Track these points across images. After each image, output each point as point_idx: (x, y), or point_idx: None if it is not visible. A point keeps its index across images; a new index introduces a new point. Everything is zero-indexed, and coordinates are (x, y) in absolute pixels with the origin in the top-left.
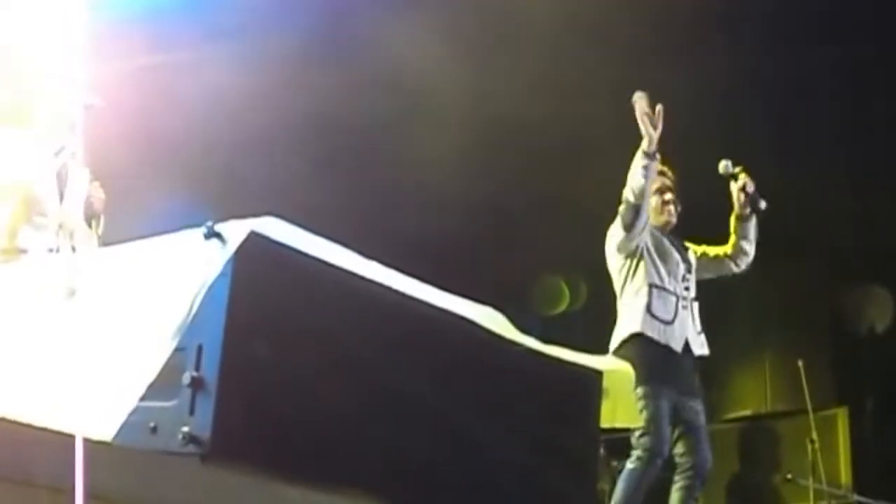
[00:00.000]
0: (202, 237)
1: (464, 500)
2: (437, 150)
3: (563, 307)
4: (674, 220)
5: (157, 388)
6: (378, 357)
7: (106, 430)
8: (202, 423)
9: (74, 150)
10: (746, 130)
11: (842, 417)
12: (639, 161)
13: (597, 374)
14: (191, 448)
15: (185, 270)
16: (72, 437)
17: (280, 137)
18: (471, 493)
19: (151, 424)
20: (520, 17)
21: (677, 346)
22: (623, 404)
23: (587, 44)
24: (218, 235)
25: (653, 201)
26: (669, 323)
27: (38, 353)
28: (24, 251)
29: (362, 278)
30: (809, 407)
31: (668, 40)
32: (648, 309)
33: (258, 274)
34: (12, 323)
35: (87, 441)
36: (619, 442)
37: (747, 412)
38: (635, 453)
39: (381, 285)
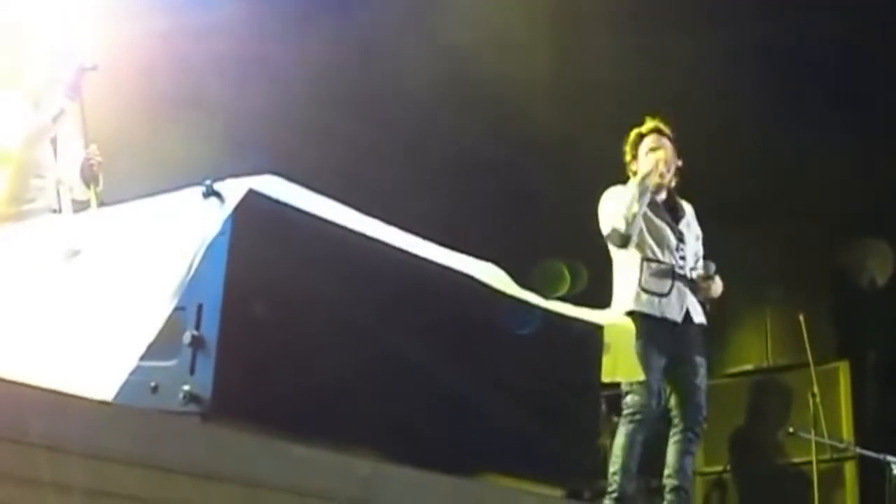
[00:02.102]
0: (201, 195)
1: (464, 455)
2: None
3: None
4: (665, 180)
5: (158, 348)
6: (377, 314)
7: (106, 390)
8: (203, 382)
9: (72, 113)
10: (746, 91)
11: (843, 371)
12: (632, 190)
13: (597, 329)
14: (191, 407)
15: (184, 229)
16: (69, 396)
17: (282, 102)
18: (471, 448)
19: (152, 384)
20: None
21: (676, 317)
22: (624, 359)
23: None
24: (216, 194)
25: (644, 160)
26: (665, 295)
27: (38, 314)
28: (27, 215)
29: (362, 235)
30: (811, 361)
31: (673, 6)
32: (640, 284)
33: (257, 232)
34: (12, 284)
35: (85, 400)
36: (620, 397)
37: (749, 367)
38: (625, 412)
39: (380, 242)
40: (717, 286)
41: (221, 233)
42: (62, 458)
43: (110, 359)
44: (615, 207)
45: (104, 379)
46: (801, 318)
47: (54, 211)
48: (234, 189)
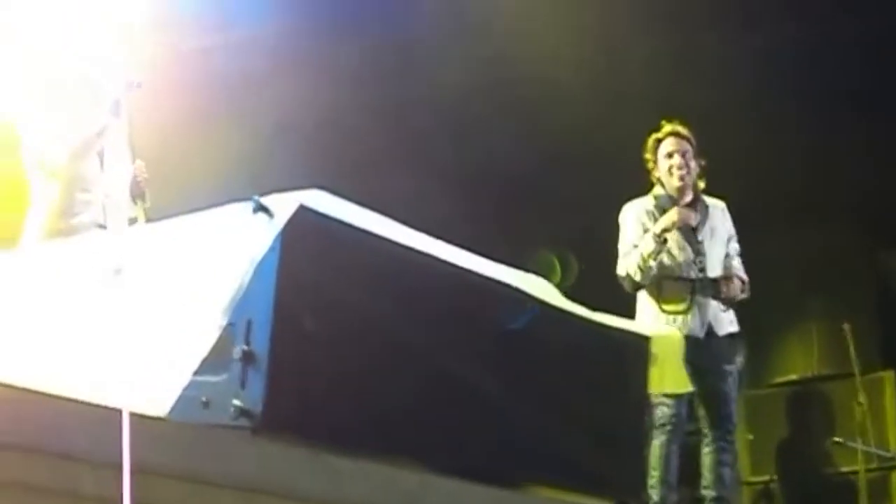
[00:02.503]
0: (250, 211)
1: (510, 467)
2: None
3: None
4: (682, 183)
5: (209, 363)
6: (425, 327)
7: (159, 406)
8: (253, 396)
9: (117, 129)
10: (785, 96)
11: (889, 380)
12: (648, 243)
13: (645, 340)
14: (242, 421)
15: (233, 245)
16: (118, 411)
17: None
18: (517, 460)
19: (203, 399)
20: None
21: (699, 333)
22: (671, 370)
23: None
24: (265, 209)
25: (662, 165)
26: (684, 313)
27: (89, 330)
28: (74, 229)
29: (410, 249)
30: (857, 370)
31: (707, 10)
32: (659, 303)
33: (306, 247)
34: (63, 300)
35: (135, 416)
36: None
37: (794, 377)
38: (656, 423)
39: (428, 255)
40: (735, 287)
41: (271, 249)
42: (114, 473)
43: (162, 375)
44: (631, 248)
45: (157, 394)
46: (846, 327)
47: (101, 226)
48: (284, 205)
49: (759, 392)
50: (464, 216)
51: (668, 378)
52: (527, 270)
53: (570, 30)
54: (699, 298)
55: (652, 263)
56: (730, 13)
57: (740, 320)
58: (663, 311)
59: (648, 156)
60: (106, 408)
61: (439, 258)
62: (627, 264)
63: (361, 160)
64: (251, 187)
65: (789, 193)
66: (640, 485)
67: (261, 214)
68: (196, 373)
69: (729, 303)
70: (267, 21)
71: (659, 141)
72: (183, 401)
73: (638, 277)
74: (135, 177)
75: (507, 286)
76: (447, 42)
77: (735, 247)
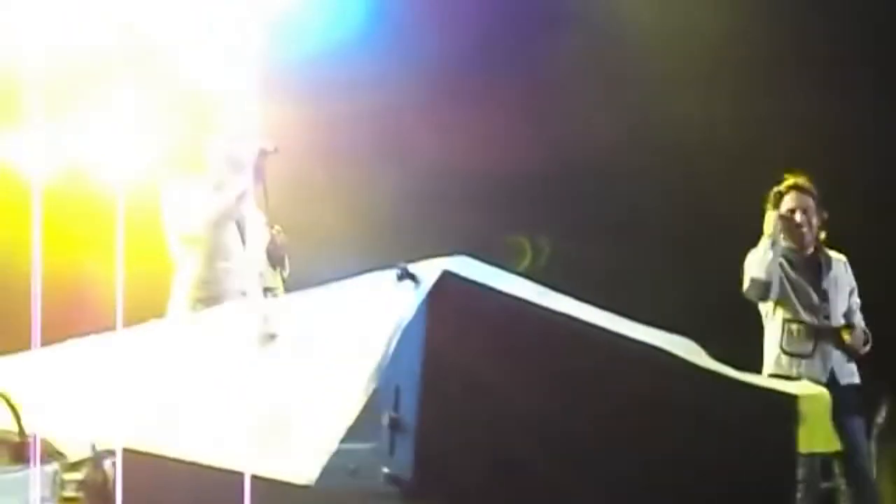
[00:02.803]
0: (395, 278)
1: None
2: None
3: None
4: (805, 241)
5: (357, 430)
6: (573, 392)
7: (308, 474)
8: (403, 463)
9: (253, 195)
10: None
11: None
12: (764, 243)
13: (792, 399)
14: (392, 489)
15: (379, 311)
16: (272, 481)
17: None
18: None
19: (352, 466)
20: None
21: (821, 377)
22: (821, 429)
23: None
24: (411, 276)
25: (785, 222)
26: (807, 357)
27: (237, 398)
28: (216, 299)
29: (556, 313)
30: None
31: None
32: (781, 346)
33: (452, 313)
34: (211, 368)
35: (288, 486)
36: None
37: None
38: None
39: (575, 319)
40: (859, 337)
41: (418, 314)
42: None
43: (311, 443)
44: (751, 261)
45: (306, 463)
46: None
47: (243, 294)
48: (429, 270)
49: None
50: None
51: (818, 437)
52: (668, 329)
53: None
54: (823, 345)
55: (770, 257)
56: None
57: (890, 372)
58: (785, 352)
59: (769, 207)
60: (261, 478)
61: (586, 321)
62: (750, 271)
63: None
64: (393, 255)
65: None
66: None
67: (407, 281)
68: (343, 440)
69: (852, 354)
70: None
71: (781, 194)
72: (330, 469)
73: (763, 276)
74: (273, 242)
75: (657, 349)
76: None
77: (857, 301)
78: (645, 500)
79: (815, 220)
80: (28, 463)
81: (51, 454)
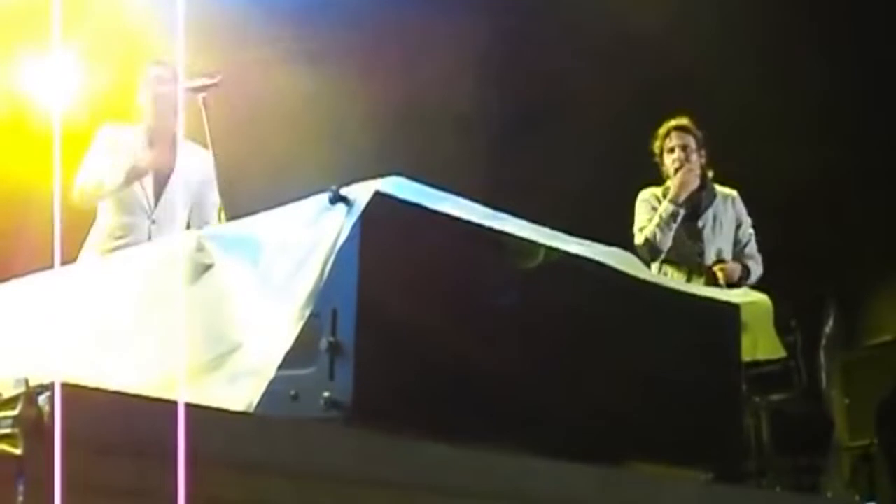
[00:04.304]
0: (328, 202)
1: (608, 444)
2: None
3: None
4: (687, 181)
5: (295, 356)
6: (510, 307)
7: (247, 401)
8: (343, 387)
9: (181, 135)
10: None
11: None
12: (666, 207)
13: (735, 308)
14: (333, 413)
15: (313, 236)
16: (212, 409)
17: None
18: (615, 437)
19: (292, 392)
20: None
21: None
22: (763, 337)
23: None
24: (343, 199)
25: (667, 160)
26: None
27: (172, 328)
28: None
29: (493, 230)
30: None
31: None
32: None
33: (386, 234)
34: (143, 301)
35: (227, 412)
36: (761, 377)
37: (888, 337)
38: None
39: (512, 236)
40: (733, 272)
41: (351, 237)
42: (207, 471)
43: (249, 369)
44: (646, 221)
45: (244, 390)
46: None
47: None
48: (361, 192)
49: (854, 355)
50: None
51: (761, 345)
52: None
53: None
54: (697, 281)
55: (673, 226)
56: None
57: (833, 285)
58: None
59: (656, 151)
60: (200, 406)
61: (519, 236)
62: (646, 231)
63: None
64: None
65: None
66: (740, 454)
67: (339, 205)
68: (283, 367)
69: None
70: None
71: (663, 134)
72: (270, 395)
73: (658, 238)
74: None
75: (595, 262)
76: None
77: (748, 232)
78: (588, 415)
79: (694, 158)
80: None
81: None
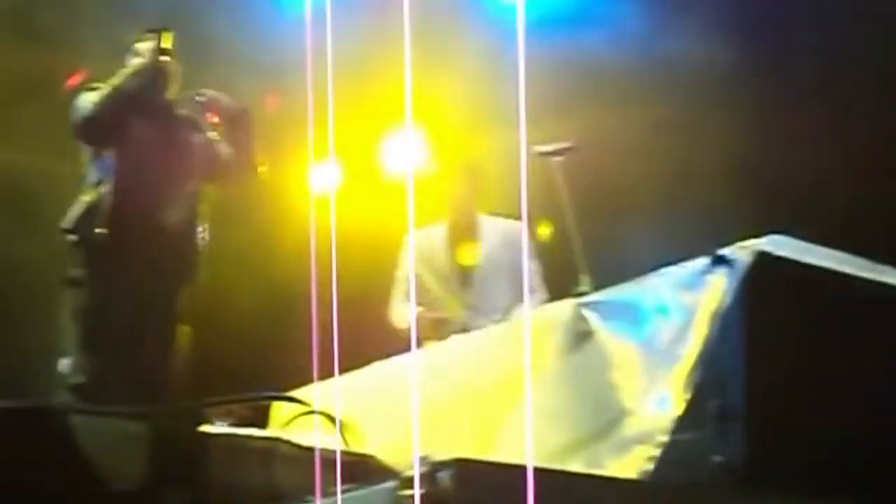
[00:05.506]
0: (709, 264)
1: None
2: None
3: None
4: None
5: (682, 422)
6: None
7: (640, 468)
8: (734, 451)
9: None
10: None
11: None
12: None
13: None
14: (724, 477)
15: (695, 299)
16: (589, 477)
17: None
18: None
19: (680, 458)
20: None
21: None
22: None
23: None
24: (725, 260)
25: None
26: None
27: (558, 398)
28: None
29: (882, 284)
30: None
31: None
32: None
33: (772, 294)
34: (523, 372)
35: (617, 480)
36: None
37: None
38: None
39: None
40: None
41: (735, 299)
42: None
43: (638, 436)
44: None
45: (636, 457)
46: None
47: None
48: (741, 254)
49: None
50: None
51: None
52: None
53: None
54: None
55: None
56: None
57: None
58: None
59: None
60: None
61: None
62: None
63: None
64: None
65: None
66: None
67: (721, 267)
68: (671, 433)
69: None
70: None
71: None
72: (659, 462)
73: None
74: None
75: None
76: None
77: None
78: None
79: None
80: (359, 482)
81: (381, 471)
